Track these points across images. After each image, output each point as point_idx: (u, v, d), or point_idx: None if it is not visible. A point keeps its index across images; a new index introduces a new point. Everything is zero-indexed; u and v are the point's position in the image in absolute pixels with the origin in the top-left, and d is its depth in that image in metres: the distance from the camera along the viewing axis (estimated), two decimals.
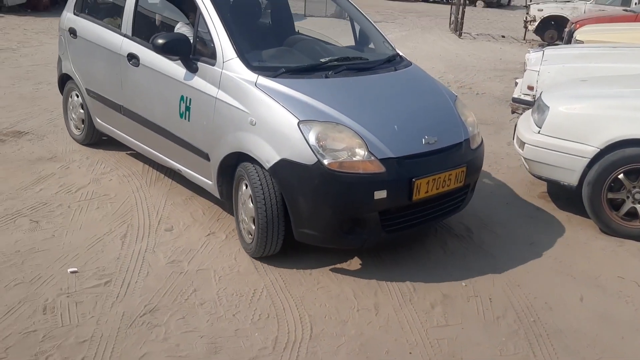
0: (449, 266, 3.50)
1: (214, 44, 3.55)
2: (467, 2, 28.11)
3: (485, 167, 4.56)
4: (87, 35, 4.68)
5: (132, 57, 4.10)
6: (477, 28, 17.58)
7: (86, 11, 4.88)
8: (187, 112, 3.67)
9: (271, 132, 3.19)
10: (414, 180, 3.14)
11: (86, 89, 4.81)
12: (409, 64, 4.10)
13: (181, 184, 4.42)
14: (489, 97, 8.42)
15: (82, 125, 5.08)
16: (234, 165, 3.47)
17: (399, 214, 3.25)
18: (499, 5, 28.85)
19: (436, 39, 14.59)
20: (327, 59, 3.82)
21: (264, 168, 3.19)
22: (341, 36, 4.62)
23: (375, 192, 3.06)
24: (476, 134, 3.71)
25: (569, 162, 4.01)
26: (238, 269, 3.33)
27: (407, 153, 3.19)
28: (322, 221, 3.13)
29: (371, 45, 4.41)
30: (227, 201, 3.71)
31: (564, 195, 4.53)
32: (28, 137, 5.28)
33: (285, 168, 3.11)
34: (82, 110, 5.02)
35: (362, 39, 4.49)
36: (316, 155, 3.03)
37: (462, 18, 15.19)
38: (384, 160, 3.10)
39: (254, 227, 3.33)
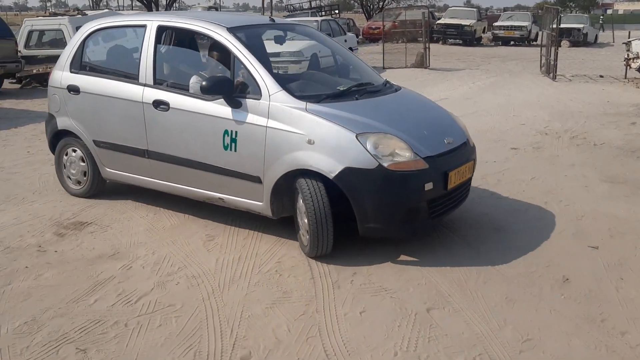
0: None
1: (256, 81, 4.09)
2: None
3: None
4: (95, 90, 4.97)
5: (160, 104, 4.51)
6: (569, 69, 16.27)
7: (87, 68, 5.20)
8: (233, 144, 4.17)
9: (331, 147, 3.81)
10: (448, 172, 3.95)
11: (94, 141, 5.06)
12: (400, 87, 4.85)
13: (259, 287, 3.61)
14: (609, 148, 7.22)
15: (85, 179, 5.29)
16: (286, 184, 4.05)
17: (438, 202, 4.01)
18: (585, 44, 27.21)
19: (529, 84, 13.45)
20: (348, 86, 4.53)
21: (323, 179, 3.84)
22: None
23: (425, 185, 3.81)
24: (469, 136, 4.55)
25: None
26: None
27: (439, 152, 3.99)
28: (386, 214, 3.82)
29: (363, 74, 5.04)
30: (276, 217, 4.25)
31: None
32: (90, 228, 4.68)
33: (349, 175, 3.76)
34: (83, 164, 5.25)
35: (356, 69, 5.13)
36: (377, 160, 3.74)
37: (556, 59, 14.00)
38: (426, 159, 3.87)
39: (307, 231, 3.95)
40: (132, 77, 4.75)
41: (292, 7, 33.99)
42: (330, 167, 3.79)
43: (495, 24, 28.37)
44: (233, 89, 4.14)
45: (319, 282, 3.73)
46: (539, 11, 28.40)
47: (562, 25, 26.29)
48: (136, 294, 3.58)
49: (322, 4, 34.49)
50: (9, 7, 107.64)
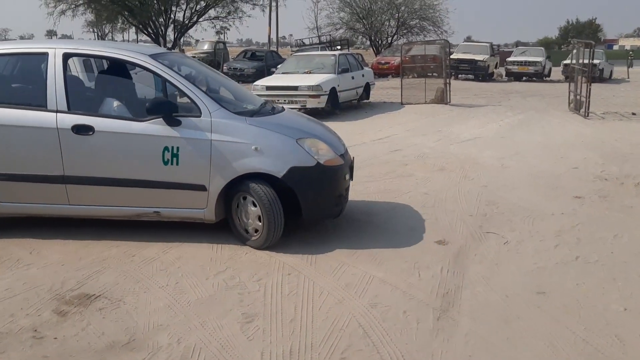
0: None
1: (194, 102, 4.62)
2: (568, 79, 26.47)
3: None
4: None
5: (82, 128, 4.63)
6: (595, 106, 15.44)
7: None
8: (175, 159, 4.58)
9: (276, 152, 4.61)
10: (352, 166, 5.23)
11: None
12: (283, 108, 5.53)
13: None
14: None
15: None
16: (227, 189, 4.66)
17: (348, 189, 5.15)
18: (601, 80, 26.59)
19: (561, 122, 12.67)
20: (255, 105, 5.26)
21: (271, 180, 4.59)
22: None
23: (345, 175, 4.96)
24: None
25: None
26: None
27: (342, 152, 5.07)
28: (326, 200, 4.81)
29: (247, 96, 5.73)
30: (217, 220, 4.78)
31: None
32: (99, 303, 3.78)
33: (295, 173, 4.58)
34: None
35: (239, 94, 5.59)
36: (315, 159, 4.67)
37: (588, 96, 13.25)
38: (341, 156, 4.95)
39: (260, 224, 4.63)
40: (36, 104, 4.73)
41: (301, 42, 33.55)
42: (278, 168, 4.57)
43: (509, 59, 27.76)
44: (172, 110, 4.57)
45: None
46: (562, 46, 27.79)
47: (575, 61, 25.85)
48: None
49: (331, 39, 34.09)
50: (15, 40, 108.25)
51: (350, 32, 36.68)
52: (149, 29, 29.34)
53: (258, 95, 13.48)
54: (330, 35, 35.57)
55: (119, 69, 5.30)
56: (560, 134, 10.85)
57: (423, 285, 4.10)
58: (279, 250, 4.67)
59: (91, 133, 4.62)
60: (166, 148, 4.56)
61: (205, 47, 31.77)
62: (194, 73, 5.40)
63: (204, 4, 29.42)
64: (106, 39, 48.20)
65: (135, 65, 4.88)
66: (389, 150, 9.21)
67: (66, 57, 4.83)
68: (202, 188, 4.62)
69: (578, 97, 14.24)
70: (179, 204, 4.71)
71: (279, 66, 23.37)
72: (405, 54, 29.59)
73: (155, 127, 4.58)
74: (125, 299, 3.86)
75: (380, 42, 36.50)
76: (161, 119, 4.57)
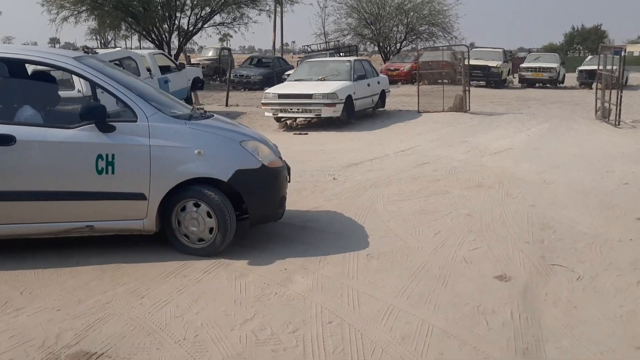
0: None
1: (128, 106, 4.37)
2: (583, 85, 25.74)
3: None
4: None
5: (1, 139, 4.17)
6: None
7: None
8: (110, 167, 4.26)
9: (219, 155, 4.51)
10: (290, 168, 5.18)
11: None
12: (212, 113, 5.23)
13: None
14: None
15: None
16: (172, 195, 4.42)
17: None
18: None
19: (591, 131, 11.96)
20: (191, 109, 5.11)
21: (217, 183, 4.47)
22: None
23: (286, 177, 4.98)
24: None
25: None
26: None
27: (279, 155, 5.07)
28: (271, 202, 4.73)
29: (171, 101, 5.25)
30: (157, 230, 4.50)
31: None
32: None
33: (240, 175, 4.49)
34: None
35: (164, 100, 5.06)
36: (260, 161, 4.60)
37: (619, 104, 12.54)
38: (280, 159, 4.96)
39: (211, 231, 4.50)
40: None
41: (309, 49, 32.83)
42: (224, 171, 4.45)
43: (522, 65, 27.00)
44: (105, 115, 4.25)
45: None
46: (568, 52, 27.05)
47: (590, 67, 25.12)
48: None
49: (339, 45, 33.35)
50: None
51: (358, 38, 35.95)
52: (153, 35, 28.73)
53: (270, 103, 12.97)
54: (338, 41, 34.85)
55: (41, 74, 5.12)
56: (595, 145, 10.12)
57: (494, 337, 3.37)
58: (313, 289, 3.96)
59: (12, 143, 4.20)
60: (100, 156, 4.25)
61: (210, 53, 31.20)
62: (118, 76, 4.84)
63: (209, 10, 28.77)
64: (109, 46, 47.70)
65: (59, 69, 4.63)
66: (416, 164, 8.49)
67: None
68: (141, 197, 4.35)
69: (606, 104, 13.53)
70: (115, 216, 4.40)
71: (287, 73, 22.84)
72: (416, 60, 28.94)
73: (86, 133, 4.28)
74: (134, 357, 3.14)
75: (388, 48, 35.77)
76: (93, 125, 4.26)
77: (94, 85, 4.51)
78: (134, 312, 3.66)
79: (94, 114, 4.24)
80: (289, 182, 5.14)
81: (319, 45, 34.47)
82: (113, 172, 4.27)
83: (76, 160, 4.28)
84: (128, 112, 4.37)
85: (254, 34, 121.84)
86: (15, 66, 4.88)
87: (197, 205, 4.47)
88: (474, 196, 6.56)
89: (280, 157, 5.03)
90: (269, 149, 4.84)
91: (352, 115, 13.01)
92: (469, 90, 15.65)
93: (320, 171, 7.97)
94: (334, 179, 7.47)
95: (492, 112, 15.56)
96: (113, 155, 4.26)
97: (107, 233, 4.52)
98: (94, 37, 58.70)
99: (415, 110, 15.33)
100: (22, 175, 4.26)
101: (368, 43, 37.56)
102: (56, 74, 5.34)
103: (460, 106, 15.32)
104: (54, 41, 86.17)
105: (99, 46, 44.42)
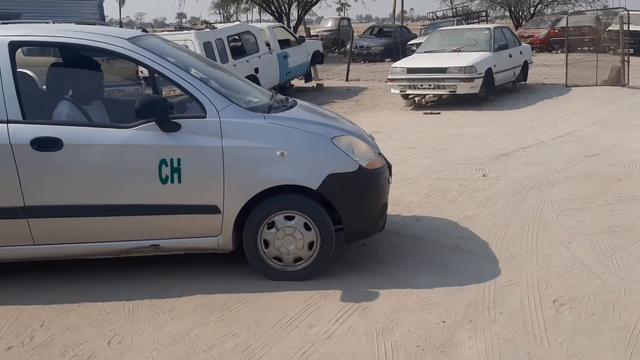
0: None
1: (195, 98, 3.61)
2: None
3: None
4: None
5: (45, 142, 3.53)
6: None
7: None
8: (176, 174, 3.57)
9: (306, 156, 3.68)
10: (391, 166, 4.24)
11: None
12: (295, 100, 4.38)
13: None
14: None
15: None
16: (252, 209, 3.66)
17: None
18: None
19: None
20: (263, 96, 4.28)
21: (304, 191, 3.63)
22: None
23: (388, 179, 4.06)
24: None
25: None
26: None
27: (378, 150, 4.18)
28: (371, 213, 3.85)
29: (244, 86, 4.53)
30: (234, 247, 3.75)
31: None
32: None
33: (332, 181, 3.63)
34: None
35: (237, 86, 4.37)
36: (356, 162, 3.73)
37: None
38: (379, 156, 4.07)
39: (310, 246, 3.70)
40: None
41: (434, 16, 30.84)
42: (313, 177, 3.65)
43: None
44: (168, 110, 3.56)
45: None
46: None
47: None
48: None
49: (468, 10, 31.05)
50: (149, 24, 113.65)
51: (487, 2, 33.25)
52: (272, 8, 28.28)
53: (397, 79, 11.72)
54: (466, 6, 32.50)
55: (86, 60, 4.20)
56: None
57: None
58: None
59: (59, 148, 3.53)
60: (163, 161, 3.55)
61: (329, 24, 30.39)
62: (184, 60, 4.07)
63: None
64: (231, 19, 48.26)
65: (109, 53, 3.86)
66: (583, 156, 6.90)
67: (14, 47, 3.68)
68: (214, 210, 3.64)
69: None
70: (184, 233, 3.72)
71: (410, 42, 21.31)
72: (553, 25, 26.06)
73: (146, 134, 3.57)
74: None
75: (521, 13, 32.78)
76: (154, 123, 3.54)
77: (152, 73, 3.74)
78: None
79: (154, 109, 3.53)
80: (391, 183, 4.16)
81: (444, 12, 32.31)
82: (179, 181, 3.57)
83: (135, 166, 3.60)
84: (195, 106, 3.65)
85: (374, 1, 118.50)
86: (62, 51, 4.24)
87: (289, 218, 3.69)
88: None
89: (380, 153, 4.12)
90: (366, 145, 3.97)
91: (492, 91, 11.42)
92: (628, 61, 13.36)
93: (463, 164, 6.67)
94: (484, 176, 6.14)
95: None
96: (179, 160, 3.55)
97: (175, 252, 3.85)
98: (217, 11, 59.95)
99: (562, 84, 13.35)
100: (71, 186, 3.61)
101: (498, 8, 34.67)
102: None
103: (618, 79, 13.12)
104: (180, 16, 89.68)
105: (222, 20, 44.98)
